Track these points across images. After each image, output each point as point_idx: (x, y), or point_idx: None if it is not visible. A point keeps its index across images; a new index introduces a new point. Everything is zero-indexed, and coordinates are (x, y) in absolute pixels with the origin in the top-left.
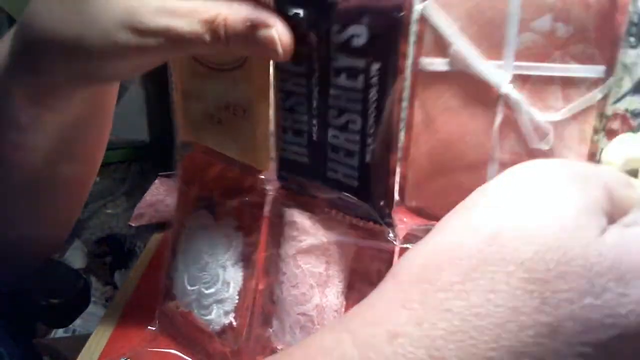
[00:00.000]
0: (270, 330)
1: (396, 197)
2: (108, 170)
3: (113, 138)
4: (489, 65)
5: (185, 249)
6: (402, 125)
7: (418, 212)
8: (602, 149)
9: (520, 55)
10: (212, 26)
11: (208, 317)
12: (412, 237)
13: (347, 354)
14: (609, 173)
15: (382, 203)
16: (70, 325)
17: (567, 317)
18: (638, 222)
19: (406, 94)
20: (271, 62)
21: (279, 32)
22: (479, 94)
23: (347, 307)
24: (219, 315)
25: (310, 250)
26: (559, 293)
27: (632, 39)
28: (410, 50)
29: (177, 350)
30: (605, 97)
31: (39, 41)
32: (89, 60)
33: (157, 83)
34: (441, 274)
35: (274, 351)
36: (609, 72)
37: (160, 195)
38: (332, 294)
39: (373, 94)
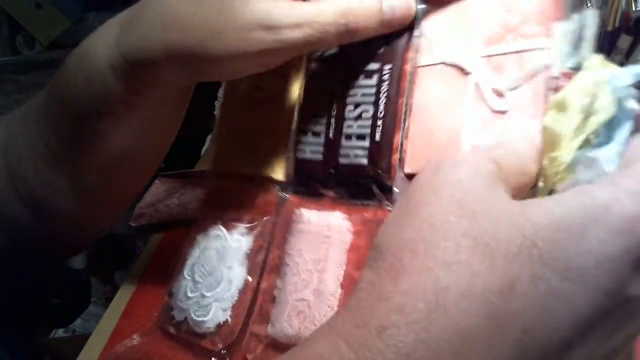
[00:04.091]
0: (268, 326)
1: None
2: None
3: None
4: (461, 54)
5: (193, 260)
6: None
7: (412, 177)
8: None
9: (483, 43)
10: (346, 23)
11: (205, 318)
12: None
13: (344, 357)
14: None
15: (386, 176)
16: (70, 326)
17: (519, 269)
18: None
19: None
20: (299, 84)
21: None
22: (455, 76)
23: (343, 294)
24: (216, 313)
25: (312, 239)
26: (500, 250)
27: (569, 15)
28: (414, 55)
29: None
30: (550, 62)
31: (157, 42)
32: (213, 61)
33: None
34: (404, 258)
35: (266, 348)
36: (552, 43)
37: (160, 195)
38: (330, 279)
39: (384, 87)
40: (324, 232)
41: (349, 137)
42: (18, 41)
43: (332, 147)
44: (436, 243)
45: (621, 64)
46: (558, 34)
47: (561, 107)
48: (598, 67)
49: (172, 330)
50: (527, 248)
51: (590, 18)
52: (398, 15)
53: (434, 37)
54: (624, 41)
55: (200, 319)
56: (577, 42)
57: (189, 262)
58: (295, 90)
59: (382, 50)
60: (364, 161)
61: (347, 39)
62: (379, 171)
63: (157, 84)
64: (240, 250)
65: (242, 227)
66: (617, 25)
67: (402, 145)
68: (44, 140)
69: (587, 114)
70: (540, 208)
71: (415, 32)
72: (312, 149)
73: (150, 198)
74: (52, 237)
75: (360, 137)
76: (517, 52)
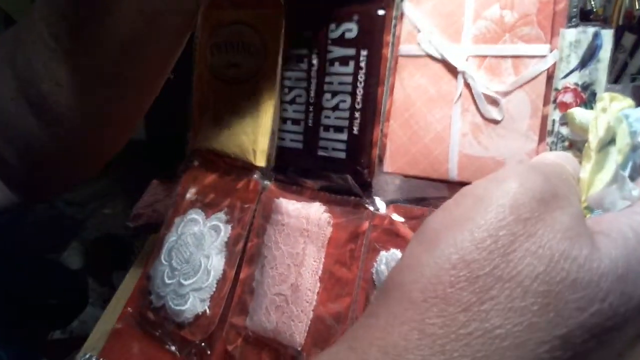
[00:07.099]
0: (247, 318)
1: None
2: (106, 170)
3: None
4: (449, 48)
5: (171, 244)
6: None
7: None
8: (553, 120)
9: (477, 40)
10: None
11: (182, 307)
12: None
13: None
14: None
15: (365, 171)
16: (68, 327)
17: (578, 326)
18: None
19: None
20: (279, 69)
21: None
22: (443, 73)
23: (322, 289)
24: (194, 303)
25: (291, 232)
26: (570, 303)
27: (573, 20)
28: (392, 40)
29: (144, 345)
30: (551, 71)
31: None
32: None
33: None
34: (460, 294)
35: (246, 340)
36: (553, 49)
37: (159, 195)
38: (308, 273)
39: (361, 75)
40: (303, 225)
41: (327, 128)
42: None
43: (311, 137)
44: (500, 284)
45: (625, 63)
46: (565, 43)
47: (587, 154)
48: (613, 105)
49: (150, 315)
50: (590, 302)
51: (607, 38)
52: None
53: (418, 22)
54: (628, 39)
55: (178, 307)
56: (587, 59)
57: (167, 246)
58: (275, 72)
59: (356, 32)
60: (342, 155)
61: None
62: (358, 167)
63: None
64: (218, 238)
65: (220, 213)
66: (620, 23)
67: (381, 139)
68: (52, 33)
69: (604, 148)
70: (609, 262)
71: (394, 11)
72: (292, 137)
73: (148, 198)
74: (63, 153)
75: (338, 129)
76: (514, 56)
